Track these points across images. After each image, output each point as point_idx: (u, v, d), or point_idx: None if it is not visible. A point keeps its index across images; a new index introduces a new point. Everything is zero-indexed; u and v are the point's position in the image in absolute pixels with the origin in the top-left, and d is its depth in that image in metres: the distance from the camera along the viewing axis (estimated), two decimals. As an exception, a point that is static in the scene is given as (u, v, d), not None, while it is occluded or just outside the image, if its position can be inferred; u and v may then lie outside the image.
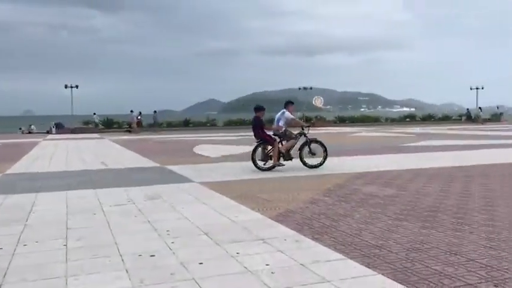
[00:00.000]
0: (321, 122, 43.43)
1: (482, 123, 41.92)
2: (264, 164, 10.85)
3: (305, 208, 6.43)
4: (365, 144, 19.68)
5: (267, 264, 3.98)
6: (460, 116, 51.23)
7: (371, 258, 4.12)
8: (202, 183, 8.93)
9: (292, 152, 11.01)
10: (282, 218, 5.82)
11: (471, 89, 51.04)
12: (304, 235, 4.97)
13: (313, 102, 47.16)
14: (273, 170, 10.74)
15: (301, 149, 11.19)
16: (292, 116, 11.24)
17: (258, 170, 10.72)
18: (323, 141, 11.43)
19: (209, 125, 42.75)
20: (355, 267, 3.90)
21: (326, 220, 5.67)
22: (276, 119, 11.23)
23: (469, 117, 46.90)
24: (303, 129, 11.31)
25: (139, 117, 38.43)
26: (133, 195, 7.65)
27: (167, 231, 5.23)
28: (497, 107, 53.85)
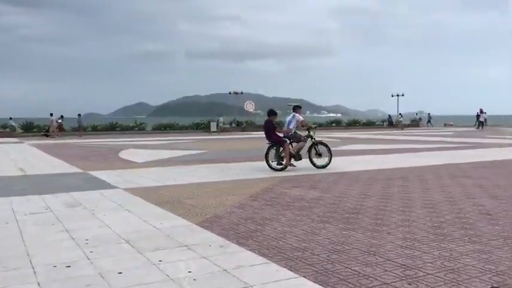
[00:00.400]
0: (252, 126, 43.82)
1: (402, 129, 44.30)
2: (277, 164, 11.46)
3: (232, 213, 6.40)
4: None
5: (189, 272, 3.90)
6: (383, 121, 53.79)
7: (294, 261, 4.17)
8: (126, 189, 8.64)
9: (301, 152, 11.69)
10: (208, 223, 5.75)
11: (392, 96, 53.79)
12: (230, 240, 4.94)
13: (245, 107, 47.48)
14: (285, 170, 11.22)
15: (309, 150, 11.94)
16: (302, 118, 12.13)
17: (272, 170, 11.31)
18: (328, 143, 12.33)
19: (137, 129, 41.62)
20: (278, 271, 3.93)
21: (252, 224, 5.68)
22: (287, 122, 12.04)
23: (390, 123, 49.36)
24: (309, 131, 12.14)
25: (59, 121, 36.58)
26: (51, 203, 7.24)
27: (86, 240, 4.98)
28: (416, 113, 57.18)
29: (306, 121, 12.85)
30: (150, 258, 4.29)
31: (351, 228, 5.40)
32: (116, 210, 6.69)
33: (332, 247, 4.63)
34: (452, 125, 54.34)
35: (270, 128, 11.76)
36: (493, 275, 3.75)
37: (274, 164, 11.46)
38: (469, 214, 6.08)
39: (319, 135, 14.37)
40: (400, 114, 49.34)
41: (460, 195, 7.58)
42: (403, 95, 53.07)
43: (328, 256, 4.33)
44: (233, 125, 44.31)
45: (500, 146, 19.85)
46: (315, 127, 12.85)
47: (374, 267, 3.99)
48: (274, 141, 11.62)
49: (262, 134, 12.41)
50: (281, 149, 11.53)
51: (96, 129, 39.69)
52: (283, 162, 11.37)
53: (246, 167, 12.20)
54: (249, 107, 46.90)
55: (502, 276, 3.72)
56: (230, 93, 47.81)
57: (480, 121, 43.76)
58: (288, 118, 12.11)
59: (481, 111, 44.86)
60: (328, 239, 4.96)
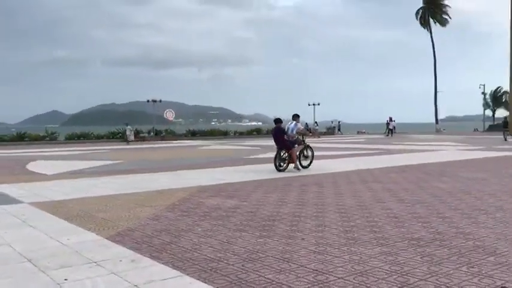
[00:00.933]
0: (172, 135, 43.10)
1: (319, 137, 45.85)
2: (279, 166, 12.83)
3: (146, 225, 6.19)
4: (214, 157, 19.98)
5: (96, 290, 3.69)
6: (301, 129, 55.31)
7: (208, 273, 4.09)
8: (32, 203, 8.07)
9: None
10: (120, 237, 5.51)
11: (309, 105, 55.63)
12: (142, 254, 4.76)
13: (165, 116, 46.64)
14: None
15: (300, 153, 13.33)
16: (301, 126, 13.72)
17: (278, 171, 12.65)
18: (312, 147, 13.77)
19: (48, 139, 39.28)
20: (191, 284, 3.83)
21: (167, 236, 5.53)
22: (290, 129, 13.20)
23: (308, 131, 50.94)
24: (303, 137, 13.59)
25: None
26: None
27: (-19, 261, 4.55)
28: (331, 122, 59.48)
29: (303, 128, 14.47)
30: (54, 277, 4.01)
31: (266, 236, 5.43)
32: (19, 227, 6.21)
33: (247, 256, 4.62)
34: (364, 132, 57.15)
35: (279, 134, 13.10)
36: (398, 276, 3.93)
37: (281, 167, 12.84)
38: (377, 218, 6.37)
39: (242, 143, 14.39)
40: (316, 122, 51.06)
41: (370, 199, 7.93)
42: (319, 104, 55.09)
43: (243, 265, 4.30)
44: (151, 133, 43.31)
45: (408, 151, 21.16)
46: (311, 134, 15.33)
47: (287, 274, 4.02)
48: (283, 146, 12.97)
49: (183, 143, 12.25)
50: (282, 152, 12.99)
51: (2, 140, 36.94)
52: (286, 165, 12.89)
53: (164, 178, 11.92)
54: (169, 115, 46.20)
55: (405, 277, 3.91)
56: (148, 101, 46.76)
57: (389, 129, 46.45)
58: (291, 126, 13.26)
59: (390, 119, 47.66)
60: (243, 248, 4.94)
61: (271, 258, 4.53)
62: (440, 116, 66.32)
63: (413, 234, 5.39)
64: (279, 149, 13.02)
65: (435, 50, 62.53)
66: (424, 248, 4.79)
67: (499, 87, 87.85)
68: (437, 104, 63.84)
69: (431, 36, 62.84)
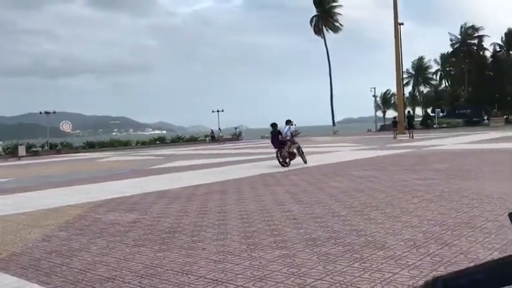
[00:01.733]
0: (69, 148, 40.75)
1: (224, 143, 46.15)
2: (283, 162, 15.19)
3: (34, 248, 5.72)
4: (114, 169, 19.17)
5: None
6: (206, 136, 55.28)
7: (101, 294, 3.86)
8: None
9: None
10: (4, 264, 5.03)
11: (213, 111, 55.77)
12: (29, 279, 4.38)
13: (61, 127, 44.05)
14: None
15: (298, 150, 16.11)
16: (293, 129, 16.72)
17: (281, 166, 14.93)
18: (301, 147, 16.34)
19: None
20: (82, 308, 3.58)
21: (57, 258, 5.14)
22: (284, 132, 15.93)
23: (212, 138, 51.00)
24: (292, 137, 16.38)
25: None
26: None
27: None
28: (236, 128, 60.17)
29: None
30: None
31: (166, 249, 5.27)
32: None
33: (145, 272, 4.44)
34: (268, 137, 58.58)
35: (276, 136, 15.76)
36: (296, 278, 4.01)
37: (283, 163, 15.14)
38: (278, 221, 6.48)
39: (144, 153, 13.91)
40: (219, 129, 51.32)
41: (272, 203, 8.07)
42: (222, 111, 55.43)
43: (139, 282, 4.12)
44: (45, 147, 40.57)
45: (307, 154, 21.96)
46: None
47: (186, 287, 3.92)
48: (278, 146, 15.49)
49: (81, 156, 11.54)
50: (281, 151, 15.32)
51: None
52: (289, 161, 15.31)
53: (57, 194, 11.17)
54: (66, 127, 43.81)
55: (303, 278, 3.99)
56: (41, 112, 43.79)
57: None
58: (285, 130, 16.09)
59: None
60: (141, 263, 4.74)
61: (170, 272, 4.39)
62: (338, 118, 70.13)
63: (311, 234, 5.55)
64: (278, 148, 15.55)
65: (329, 55, 65.95)
66: (320, 247, 4.94)
67: (388, 89, 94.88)
68: (334, 106, 67.39)
69: (325, 43, 66.25)
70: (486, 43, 79.19)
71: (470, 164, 12.95)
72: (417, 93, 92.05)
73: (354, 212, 6.86)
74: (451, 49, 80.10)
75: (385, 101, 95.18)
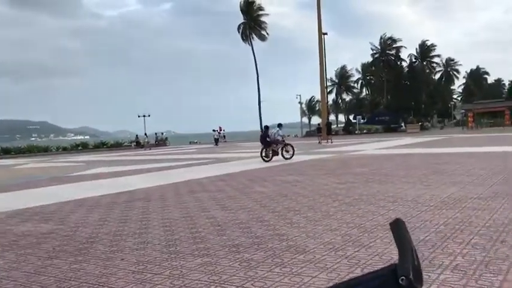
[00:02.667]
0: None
1: (150, 148, 45.16)
2: (266, 157, 18.97)
3: None
4: (31, 177, 18.06)
5: None
6: (131, 142, 53.80)
7: (6, 313, 3.58)
8: None
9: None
10: None
11: (139, 116, 54.47)
12: None
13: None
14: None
15: (282, 149, 19.48)
16: (281, 133, 20.23)
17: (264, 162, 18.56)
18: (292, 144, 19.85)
19: None
20: (-18, 329, 3.29)
21: (-42, 275, 4.71)
22: (275, 134, 19.62)
23: (138, 143, 49.73)
24: (283, 138, 20.16)
25: None
26: None
27: None
28: (162, 133, 59.17)
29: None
30: None
31: (82, 261, 5.01)
32: None
33: (57, 286, 4.19)
34: (196, 142, 58.16)
35: (265, 136, 19.40)
36: (217, 286, 3.96)
37: (266, 159, 18.81)
38: (201, 228, 6.40)
39: (64, 160, 13.21)
40: (145, 134, 50.21)
41: (196, 209, 7.97)
42: (149, 116, 54.32)
43: (50, 298, 3.88)
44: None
45: (236, 159, 22.05)
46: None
47: (101, 300, 3.74)
48: (267, 145, 19.21)
49: None
50: (266, 149, 19.21)
51: None
52: (271, 157, 18.92)
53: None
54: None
55: (223, 285, 3.96)
56: None
57: (215, 138, 47.76)
58: (274, 131, 19.81)
59: (220, 129, 49.39)
60: (54, 276, 4.47)
61: (85, 284, 4.18)
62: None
63: (234, 240, 5.54)
64: (264, 146, 19.26)
65: (258, 62, 66.84)
66: (242, 253, 4.94)
67: (313, 96, 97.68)
68: (262, 113, 68.31)
69: (253, 50, 67.10)
70: (403, 54, 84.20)
71: (387, 168, 13.62)
72: (340, 101, 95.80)
73: (277, 216, 6.94)
74: (372, 59, 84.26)
75: (311, 108, 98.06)
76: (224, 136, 56.19)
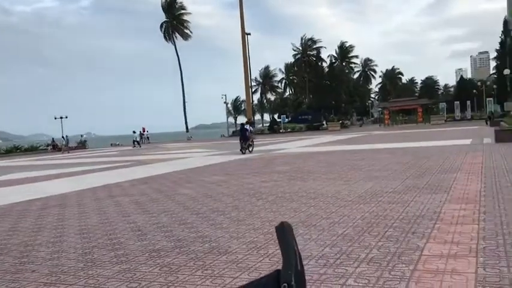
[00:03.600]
0: None
1: (68, 152, 43.03)
2: (244, 149, 21.90)
3: None
4: None
5: None
6: (47, 145, 50.96)
7: None
8: None
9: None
10: None
11: (56, 118, 51.73)
12: None
13: None
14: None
15: (249, 145, 22.84)
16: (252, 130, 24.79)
17: (243, 154, 21.44)
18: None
19: None
20: None
21: None
22: (250, 131, 23.63)
23: (55, 147, 47.22)
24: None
25: None
26: None
27: None
28: (82, 135, 56.65)
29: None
30: None
31: (-13, 276, 4.62)
32: None
33: (-44, 305, 3.82)
34: (118, 144, 56.29)
35: (244, 133, 22.54)
36: (135, 293, 3.81)
37: (244, 150, 21.83)
38: (121, 233, 6.16)
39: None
40: (63, 137, 47.83)
41: (116, 214, 7.67)
42: (66, 117, 51.78)
43: None
44: None
45: (160, 161, 21.59)
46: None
47: (6, 318, 3.46)
48: (245, 139, 22.26)
49: None
50: (244, 143, 22.12)
51: None
52: (249, 150, 22.39)
53: None
54: None
55: (142, 293, 3.81)
56: None
57: (135, 140, 46.07)
58: (248, 128, 23.55)
59: (143, 130, 48.17)
60: (-47, 296, 4.08)
61: (-12, 302, 3.85)
62: (191, 125, 70.64)
63: (155, 245, 5.38)
64: (243, 141, 22.31)
65: (182, 62, 66.10)
66: (163, 258, 4.80)
67: (238, 96, 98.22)
68: (187, 113, 67.60)
69: (176, 50, 66.25)
70: (324, 54, 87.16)
71: (309, 165, 13.98)
72: (265, 100, 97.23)
73: (201, 218, 6.85)
74: (294, 59, 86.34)
75: (236, 108, 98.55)
76: (148, 137, 54.89)
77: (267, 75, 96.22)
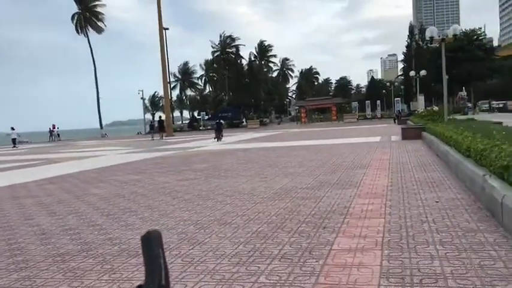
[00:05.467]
0: None
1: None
2: (217, 139, 28.52)
3: None
4: None
5: None
6: None
7: None
8: None
9: None
10: None
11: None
12: None
13: None
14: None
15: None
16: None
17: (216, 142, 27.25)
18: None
19: None
20: None
21: None
22: (222, 124, 30.90)
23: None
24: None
25: None
26: None
27: None
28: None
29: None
30: None
31: None
32: None
33: None
34: (27, 141, 52.82)
35: (219, 127, 29.62)
36: (34, 303, 3.52)
37: (216, 140, 28.37)
38: (22, 238, 5.71)
39: None
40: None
41: (18, 217, 7.12)
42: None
43: None
44: None
45: (72, 159, 20.50)
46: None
47: None
48: (220, 131, 29.29)
49: None
50: (218, 134, 29.14)
51: None
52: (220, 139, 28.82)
53: None
54: None
55: (41, 302, 3.53)
56: None
57: (13, 138, 42.67)
58: (222, 123, 31.62)
59: (54, 127, 45.51)
60: None
61: None
62: (106, 121, 68.03)
63: (59, 249, 5.04)
64: (218, 132, 29.04)
65: (96, 55, 63.39)
66: (68, 263, 4.51)
67: (156, 92, 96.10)
68: (101, 109, 64.90)
69: (89, 43, 63.34)
70: (243, 52, 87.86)
71: (227, 163, 13.97)
72: (184, 97, 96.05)
73: (111, 219, 6.54)
74: (213, 56, 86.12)
75: (154, 104, 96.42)
76: (58, 134, 52.04)
77: (186, 71, 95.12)
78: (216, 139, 28.93)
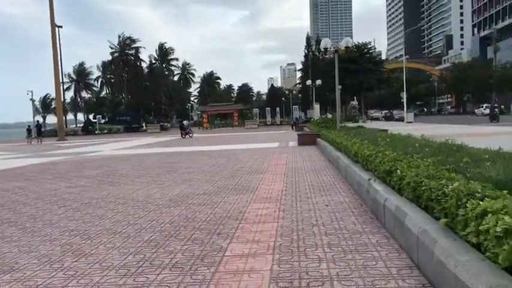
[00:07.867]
0: None
1: None
2: (185, 135, 35.83)
3: None
4: None
5: None
6: None
7: None
8: None
9: None
10: None
11: None
12: None
13: None
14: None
15: (188, 133, 35.97)
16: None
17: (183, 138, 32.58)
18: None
19: None
20: None
21: None
22: (187, 124, 38.06)
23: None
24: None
25: None
26: None
27: None
28: None
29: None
30: None
31: None
32: None
33: None
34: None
35: (183, 126, 36.55)
36: None
37: (183, 136, 35.43)
38: None
39: None
40: None
41: None
42: None
43: None
44: None
45: None
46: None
47: None
48: (184, 130, 35.99)
49: None
50: (184, 132, 35.92)
51: None
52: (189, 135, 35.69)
53: None
54: None
55: None
56: None
57: None
58: (186, 122, 37.88)
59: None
60: None
61: None
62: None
63: None
64: (183, 130, 35.66)
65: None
66: None
67: (48, 93, 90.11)
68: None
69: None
70: (144, 55, 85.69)
71: (123, 169, 13.41)
72: (79, 99, 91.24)
73: (-15, 231, 5.90)
74: (111, 57, 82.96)
75: (46, 106, 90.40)
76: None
77: (82, 72, 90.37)
78: (183, 136, 35.19)
